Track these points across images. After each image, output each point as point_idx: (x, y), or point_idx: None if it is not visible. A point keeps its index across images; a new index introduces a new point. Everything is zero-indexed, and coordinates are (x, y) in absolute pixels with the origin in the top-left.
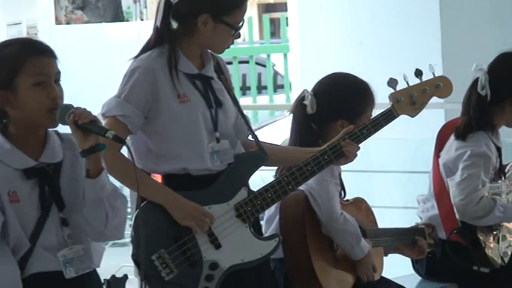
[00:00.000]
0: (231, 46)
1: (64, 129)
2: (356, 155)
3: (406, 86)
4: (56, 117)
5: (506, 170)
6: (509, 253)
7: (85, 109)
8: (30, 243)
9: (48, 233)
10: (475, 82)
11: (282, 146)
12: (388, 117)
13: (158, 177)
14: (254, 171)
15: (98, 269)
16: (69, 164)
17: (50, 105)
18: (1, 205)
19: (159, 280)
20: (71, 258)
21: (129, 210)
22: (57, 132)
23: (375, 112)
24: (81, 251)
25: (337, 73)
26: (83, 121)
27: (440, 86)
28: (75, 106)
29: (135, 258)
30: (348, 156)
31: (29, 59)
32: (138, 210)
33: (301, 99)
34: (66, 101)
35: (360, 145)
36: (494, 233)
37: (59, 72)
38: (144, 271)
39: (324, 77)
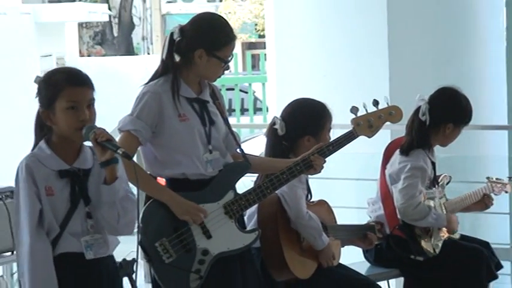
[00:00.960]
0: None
1: None
2: (323, 167)
3: (365, 112)
4: (83, 135)
5: (439, 180)
6: (440, 245)
7: (104, 129)
8: (60, 229)
9: (75, 222)
10: (418, 109)
11: (262, 157)
12: (349, 137)
13: (162, 181)
14: (240, 178)
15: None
16: (97, 171)
17: (78, 125)
18: (39, 196)
19: (160, 263)
20: (92, 243)
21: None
22: (90, 147)
23: (339, 133)
24: (100, 239)
25: (299, 98)
26: (101, 139)
27: (393, 114)
28: (97, 126)
29: (142, 244)
30: (315, 168)
31: (67, 87)
32: (145, 207)
33: (272, 124)
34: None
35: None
36: (429, 229)
37: (92, 99)
38: (149, 255)
39: (288, 103)
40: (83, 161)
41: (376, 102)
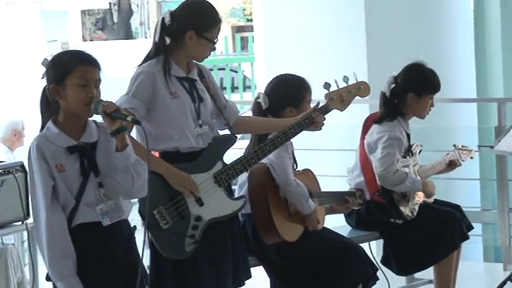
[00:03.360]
0: (212, 57)
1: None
2: (323, 124)
3: (336, 88)
4: (91, 109)
5: (412, 149)
6: (417, 209)
7: (111, 101)
8: (75, 201)
9: (89, 193)
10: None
11: (262, 118)
12: (325, 110)
13: (156, 154)
14: (227, 149)
15: None
16: (103, 143)
17: (87, 101)
18: (51, 174)
19: (158, 229)
20: (106, 211)
21: None
22: (94, 121)
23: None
24: (113, 205)
25: (280, 74)
26: (110, 110)
27: (361, 88)
28: (104, 100)
29: (141, 212)
30: (317, 124)
31: (78, 65)
32: None
33: (256, 99)
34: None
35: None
36: (406, 194)
37: (99, 80)
38: (147, 222)
39: (271, 79)
40: (88, 135)
41: (346, 79)
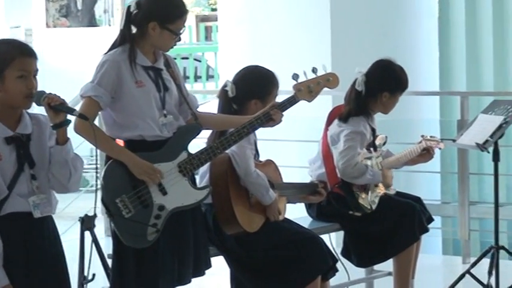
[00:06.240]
0: (176, 46)
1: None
2: (281, 121)
3: (305, 79)
4: (30, 102)
5: (376, 141)
6: (377, 201)
7: (55, 94)
8: (8, 190)
9: (22, 184)
10: (355, 81)
11: (220, 114)
12: (292, 101)
13: (121, 142)
14: (192, 139)
15: (73, 210)
16: (37, 135)
17: (27, 93)
18: None
19: (120, 217)
20: (38, 203)
21: (99, 165)
22: (28, 113)
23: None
24: (44, 199)
25: (250, 65)
26: (54, 103)
27: (330, 80)
28: (47, 92)
29: (104, 201)
30: (275, 120)
31: (17, 57)
32: (106, 166)
33: (223, 86)
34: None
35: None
36: (365, 186)
37: (37, 70)
38: (110, 210)
39: (241, 69)
40: (24, 126)
41: (314, 70)
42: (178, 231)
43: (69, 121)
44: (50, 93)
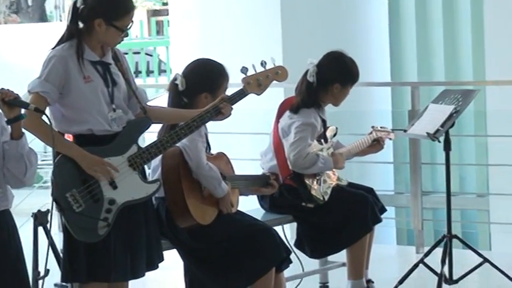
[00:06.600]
0: (127, 40)
1: None
2: (230, 114)
3: (254, 72)
4: None
5: (326, 133)
6: (329, 192)
7: (9, 89)
8: None
9: None
10: (307, 72)
11: (170, 108)
12: (241, 94)
13: (71, 137)
14: (142, 133)
15: (26, 206)
16: None
17: None
18: None
19: (71, 212)
20: None
21: (50, 162)
22: None
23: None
24: (1, 193)
25: (200, 58)
26: (8, 98)
27: (279, 73)
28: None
29: (54, 196)
30: (224, 113)
31: None
32: (56, 161)
33: (173, 80)
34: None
35: None
36: (317, 177)
37: None
38: (60, 205)
39: (190, 62)
40: None
41: (263, 63)
42: (130, 225)
43: (24, 115)
44: (3, 89)
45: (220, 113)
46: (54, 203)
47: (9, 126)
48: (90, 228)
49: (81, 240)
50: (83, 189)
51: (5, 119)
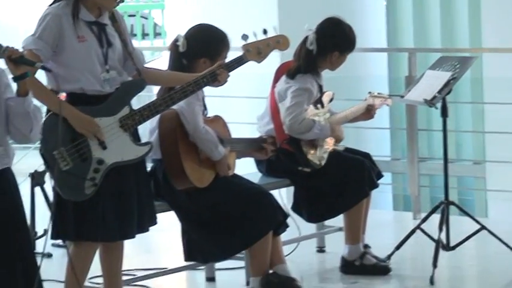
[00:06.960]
0: (123, 4)
1: None
2: (226, 81)
3: (254, 39)
4: None
5: (323, 98)
6: (326, 157)
7: (15, 47)
8: None
9: None
10: (306, 39)
11: (168, 71)
12: (240, 61)
13: (63, 95)
14: (136, 94)
15: (24, 167)
16: None
17: None
18: None
19: (58, 170)
20: None
21: None
22: None
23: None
24: (2, 151)
25: (204, 23)
26: (15, 56)
27: (280, 42)
28: (6, 45)
29: (42, 153)
30: (219, 80)
31: None
32: (45, 119)
33: (175, 40)
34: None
35: None
36: (314, 142)
37: None
38: (48, 163)
39: (194, 25)
40: None
41: (265, 31)
42: (120, 186)
43: (29, 73)
44: (8, 46)
45: (216, 79)
46: (43, 160)
47: (13, 83)
48: (77, 187)
49: (67, 199)
50: (70, 148)
51: (11, 76)
